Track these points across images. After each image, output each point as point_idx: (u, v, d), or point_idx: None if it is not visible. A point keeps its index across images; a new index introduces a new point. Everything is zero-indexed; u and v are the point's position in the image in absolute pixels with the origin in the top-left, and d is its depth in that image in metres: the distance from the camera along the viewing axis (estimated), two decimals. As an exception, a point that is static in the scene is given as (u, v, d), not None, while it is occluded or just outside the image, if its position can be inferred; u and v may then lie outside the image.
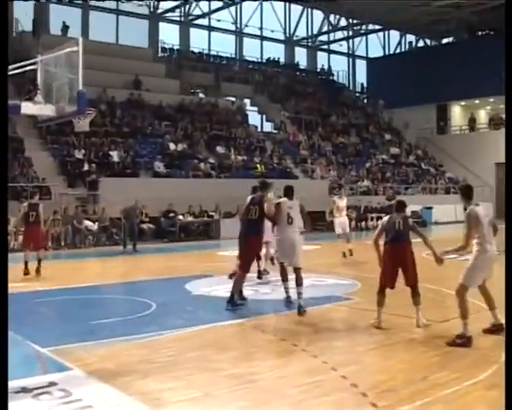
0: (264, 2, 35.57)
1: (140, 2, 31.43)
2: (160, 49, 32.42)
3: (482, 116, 36.43)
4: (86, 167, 19.78)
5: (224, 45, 34.92)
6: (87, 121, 7.31)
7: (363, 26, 39.49)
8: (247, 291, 8.88)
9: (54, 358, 5.68)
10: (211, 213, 20.30)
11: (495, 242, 6.28)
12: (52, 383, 4.87)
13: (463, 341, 6.06)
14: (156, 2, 32.44)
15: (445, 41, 40.71)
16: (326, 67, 39.84)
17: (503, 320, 5.87)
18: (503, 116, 34.17)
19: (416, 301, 6.97)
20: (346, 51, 41.50)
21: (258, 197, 8.11)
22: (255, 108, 32.43)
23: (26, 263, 11.23)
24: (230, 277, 9.37)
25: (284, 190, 8.14)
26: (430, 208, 27.03)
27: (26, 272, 11.15)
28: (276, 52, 37.32)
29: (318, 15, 38.09)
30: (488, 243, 6.20)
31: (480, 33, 37.45)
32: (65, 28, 27.22)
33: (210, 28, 35.09)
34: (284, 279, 8.19)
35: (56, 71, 6.45)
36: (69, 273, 12.24)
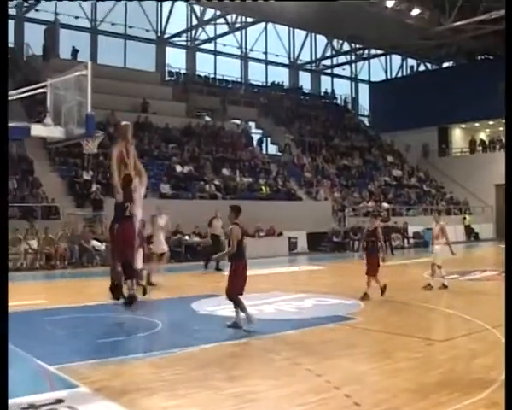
0: (268, 28, 36.07)
1: (147, 28, 31.97)
2: (166, 73, 32.73)
3: (482, 138, 36.55)
4: (94, 188, 19.98)
5: (229, 69, 35.34)
6: (95, 143, 7.46)
7: (366, 51, 39.90)
8: (252, 310, 8.94)
9: (61, 375, 5.71)
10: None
11: None
12: (59, 401, 4.89)
13: None
14: (163, 28, 32.97)
15: (445, 65, 41.10)
16: (329, 90, 40.21)
17: None
18: (503, 138, 34.38)
19: None
20: (348, 75, 41.89)
21: None
22: (260, 131, 32.71)
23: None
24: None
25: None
26: (431, 229, 26.91)
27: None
28: (281, 76, 37.74)
29: (322, 40, 38.53)
30: None
31: (479, 58, 37.81)
32: (74, 52, 27.61)
33: (216, 53, 35.49)
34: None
35: (65, 94, 6.59)
36: (77, 292, 12.25)
